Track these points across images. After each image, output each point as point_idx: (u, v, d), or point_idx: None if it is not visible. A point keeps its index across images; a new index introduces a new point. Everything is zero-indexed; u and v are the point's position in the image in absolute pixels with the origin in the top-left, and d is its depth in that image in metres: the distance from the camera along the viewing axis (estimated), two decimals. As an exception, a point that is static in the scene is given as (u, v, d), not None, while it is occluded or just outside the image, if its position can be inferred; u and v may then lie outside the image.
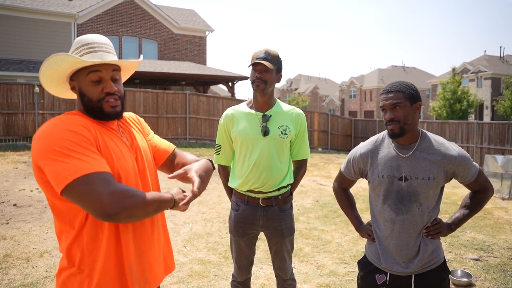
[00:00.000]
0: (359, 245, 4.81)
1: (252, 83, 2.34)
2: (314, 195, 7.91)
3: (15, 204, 6.04)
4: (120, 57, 19.73)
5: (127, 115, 1.59)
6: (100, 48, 1.38)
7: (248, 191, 2.40)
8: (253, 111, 2.40)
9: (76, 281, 1.31)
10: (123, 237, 1.34)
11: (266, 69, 2.29)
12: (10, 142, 12.13)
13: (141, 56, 1.67)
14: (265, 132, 2.33)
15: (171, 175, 1.49)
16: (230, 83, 19.04)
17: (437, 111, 27.58)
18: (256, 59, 2.31)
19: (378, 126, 19.38)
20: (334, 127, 19.74)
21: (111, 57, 1.39)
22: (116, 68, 1.41)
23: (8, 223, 5.26)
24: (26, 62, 17.47)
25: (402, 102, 1.81)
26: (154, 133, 1.73)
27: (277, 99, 2.49)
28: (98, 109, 1.37)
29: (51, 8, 18.23)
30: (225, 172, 2.59)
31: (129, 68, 1.52)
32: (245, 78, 18.84)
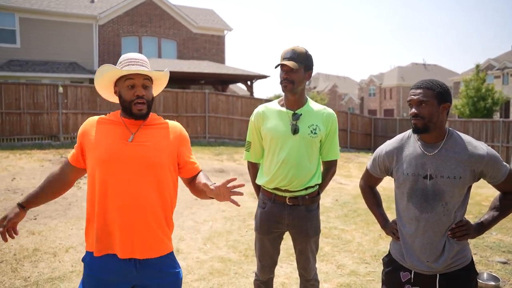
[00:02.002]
0: (380, 245, 4.76)
1: (280, 83, 2.34)
2: (333, 194, 7.86)
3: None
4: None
5: (171, 123, 1.91)
6: (136, 62, 1.79)
7: (275, 189, 2.40)
8: (284, 109, 2.40)
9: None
10: (110, 209, 1.72)
11: (292, 69, 2.28)
12: (36, 141, 12.47)
13: (167, 69, 1.91)
14: (295, 130, 2.32)
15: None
16: (248, 82, 19.07)
17: (459, 109, 26.97)
18: (283, 59, 2.31)
19: (398, 124, 19.09)
20: (354, 125, 19.55)
21: (142, 69, 1.75)
22: (147, 78, 1.78)
23: (35, 218, 5.41)
24: (50, 63, 17.90)
25: (429, 100, 1.79)
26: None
27: (308, 98, 2.47)
28: (128, 109, 1.77)
29: (74, 10, 18.63)
30: (254, 169, 2.59)
31: (160, 79, 1.87)
32: (263, 77, 18.83)
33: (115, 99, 1.90)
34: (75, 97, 13.05)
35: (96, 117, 1.86)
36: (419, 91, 1.81)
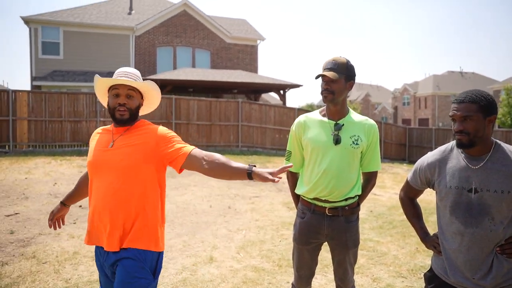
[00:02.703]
0: (417, 259, 4.62)
1: (321, 93, 2.35)
2: (368, 205, 7.71)
3: (80, 206, 6.42)
4: (174, 67, 20.48)
5: (152, 127, 2.01)
6: (125, 75, 1.99)
7: (314, 199, 2.39)
8: (325, 119, 2.41)
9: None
10: (92, 207, 1.95)
11: (332, 80, 2.29)
12: (75, 148, 12.98)
13: (150, 81, 2.02)
14: (337, 141, 2.32)
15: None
16: (281, 91, 19.12)
17: (500, 118, 25.99)
18: (323, 70, 2.32)
19: (434, 134, 18.57)
20: (388, 135, 19.17)
21: (125, 80, 1.93)
22: (132, 89, 1.97)
23: (75, 223, 5.61)
24: (89, 73, 18.64)
25: (473, 115, 1.74)
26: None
27: (350, 109, 2.47)
28: (112, 115, 1.97)
29: (112, 22, 19.39)
30: (293, 179, 2.60)
31: (149, 91, 2.05)
32: (296, 86, 18.83)
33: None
34: (113, 106, 13.51)
35: (100, 128, 2.11)
36: (462, 105, 1.75)
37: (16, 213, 5.95)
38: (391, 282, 3.96)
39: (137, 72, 2.04)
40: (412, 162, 17.76)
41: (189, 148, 1.94)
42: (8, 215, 5.84)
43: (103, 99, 2.13)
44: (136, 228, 1.90)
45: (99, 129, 2.10)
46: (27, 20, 18.03)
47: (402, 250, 4.97)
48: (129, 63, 19.65)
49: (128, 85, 1.96)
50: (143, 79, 2.04)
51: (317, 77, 2.34)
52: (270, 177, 1.70)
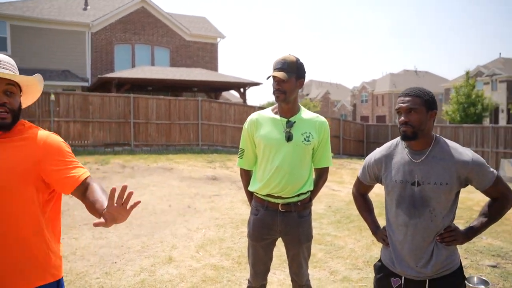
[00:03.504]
0: (373, 251, 4.78)
1: (273, 93, 2.38)
2: (326, 200, 7.88)
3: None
4: (133, 65, 20.01)
5: (36, 133, 1.58)
6: (2, 65, 1.51)
7: (267, 195, 2.42)
8: (277, 116, 2.43)
9: None
10: None
11: (283, 80, 2.32)
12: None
13: (38, 74, 1.65)
14: (289, 138, 2.35)
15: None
16: (241, 89, 19.14)
17: (450, 115, 27.27)
18: (274, 70, 2.34)
19: (390, 131, 19.26)
20: (346, 132, 19.67)
21: (4, 72, 1.49)
22: (10, 83, 1.52)
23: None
24: (42, 71, 17.83)
25: (418, 108, 1.82)
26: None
27: (301, 106, 2.51)
28: None
29: (66, 18, 18.64)
30: (247, 176, 2.61)
31: (31, 85, 1.61)
32: (256, 84, 18.91)
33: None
34: (67, 105, 13.00)
35: None
36: (408, 98, 1.84)
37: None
38: (348, 274, 4.08)
39: (12, 61, 1.60)
40: (370, 158, 18.39)
41: (85, 174, 1.58)
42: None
43: None
44: (21, 266, 1.53)
45: None
46: (-30, 14, 16.99)
47: (358, 243, 5.12)
48: (85, 61, 18.99)
49: (8, 79, 1.51)
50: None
51: (268, 78, 2.37)
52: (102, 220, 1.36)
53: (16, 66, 1.61)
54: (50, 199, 1.63)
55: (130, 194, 1.36)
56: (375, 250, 4.82)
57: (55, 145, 1.57)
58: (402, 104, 1.85)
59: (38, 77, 1.60)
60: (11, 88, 1.52)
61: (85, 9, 20.36)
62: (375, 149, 2.12)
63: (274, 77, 2.34)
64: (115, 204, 1.34)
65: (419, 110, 1.82)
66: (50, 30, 18.28)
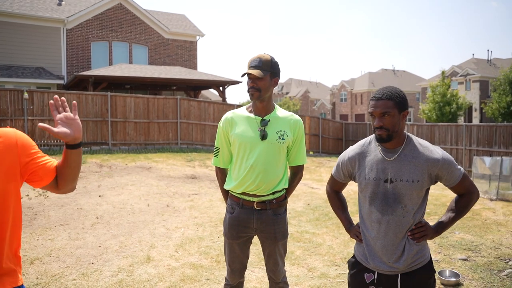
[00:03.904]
0: (350, 247, 4.86)
1: (247, 91, 2.39)
2: (305, 198, 7.96)
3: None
4: (110, 63, 19.68)
5: (2, 131, 1.52)
6: None
7: (242, 193, 2.43)
8: (252, 115, 2.45)
9: None
10: None
11: (258, 78, 2.33)
12: None
13: None
14: (263, 136, 2.37)
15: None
16: (221, 88, 19.08)
17: (427, 114, 27.87)
18: (249, 68, 2.36)
19: (368, 129, 19.55)
20: (325, 130, 19.87)
21: None
22: None
23: None
24: (14, 68, 17.35)
25: (391, 111, 1.86)
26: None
27: (276, 105, 2.53)
28: None
29: (39, 13, 18.15)
30: (222, 175, 2.62)
31: None
32: (236, 82, 18.89)
33: None
34: (42, 103, 12.68)
35: None
36: (380, 102, 1.87)
37: None
38: (325, 271, 4.14)
39: None
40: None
41: (54, 162, 1.59)
42: None
43: None
44: (7, 267, 1.49)
45: None
46: None
47: (336, 240, 5.20)
48: (60, 58, 18.56)
49: None
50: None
51: (243, 75, 2.38)
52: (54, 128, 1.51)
53: None
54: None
55: (63, 100, 1.56)
56: (352, 246, 4.90)
57: (25, 137, 1.55)
58: (375, 109, 1.88)
59: None
60: None
61: (59, 4, 19.89)
62: None
63: (249, 74, 2.35)
64: (60, 114, 1.52)
65: (392, 113, 1.86)
66: (23, 25, 17.78)
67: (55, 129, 1.51)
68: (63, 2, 20.14)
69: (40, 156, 1.56)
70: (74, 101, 1.62)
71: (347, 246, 4.92)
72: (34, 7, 18.58)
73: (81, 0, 21.01)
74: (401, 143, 1.93)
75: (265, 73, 2.34)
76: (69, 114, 1.56)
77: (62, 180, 1.60)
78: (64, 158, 1.59)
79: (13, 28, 17.58)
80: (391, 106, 1.85)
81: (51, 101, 1.55)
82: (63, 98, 1.56)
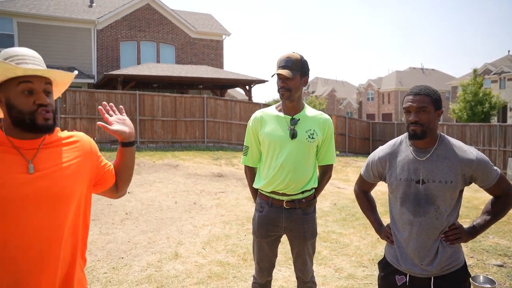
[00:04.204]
0: (378, 249, 4.79)
1: (278, 91, 2.38)
2: (332, 198, 7.89)
3: None
4: (138, 62, 20.06)
5: (78, 135, 1.51)
6: (31, 61, 1.34)
7: (272, 192, 2.44)
8: (281, 114, 2.45)
9: None
10: (13, 263, 1.29)
11: (288, 78, 2.33)
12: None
13: (76, 71, 1.52)
14: (293, 135, 2.37)
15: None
16: (247, 87, 19.14)
17: (457, 113, 27.10)
18: (278, 68, 2.35)
19: (396, 129, 19.18)
20: (352, 130, 19.63)
21: (45, 70, 1.34)
22: (48, 82, 1.37)
23: None
24: (48, 68, 17.87)
25: (428, 107, 1.83)
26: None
27: (305, 104, 2.52)
28: (30, 121, 1.31)
29: (72, 15, 18.72)
30: (251, 174, 2.63)
31: (61, 83, 1.46)
32: (262, 81, 18.90)
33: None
34: (74, 102, 13.09)
35: None
36: (417, 97, 1.84)
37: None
38: (353, 271, 4.09)
39: (40, 56, 1.44)
40: (375, 155, 18.36)
41: (111, 164, 1.62)
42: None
43: None
44: (80, 274, 1.47)
45: None
46: (-22, 11, 17.11)
47: (363, 241, 5.13)
48: (91, 58, 19.06)
49: (45, 78, 1.35)
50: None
51: (272, 76, 2.38)
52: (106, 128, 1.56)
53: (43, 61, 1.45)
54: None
55: (111, 106, 1.63)
56: (380, 248, 4.82)
57: (96, 145, 1.58)
58: (412, 103, 1.84)
59: (75, 73, 1.48)
60: (49, 87, 1.37)
61: (90, 6, 20.44)
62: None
63: (279, 74, 2.35)
64: (111, 116, 1.59)
65: (428, 109, 1.82)
66: (56, 27, 18.38)
67: (112, 127, 1.56)
68: (94, 4, 20.69)
69: (103, 159, 1.60)
70: (121, 106, 1.69)
71: (375, 247, 4.84)
72: (68, 10, 19.17)
73: (111, 1, 21.51)
74: (434, 143, 1.89)
75: (295, 73, 2.33)
76: (120, 115, 1.64)
77: (121, 181, 1.64)
78: (120, 158, 1.62)
79: (48, 30, 18.21)
80: (428, 102, 1.82)
81: (100, 107, 1.59)
82: (111, 104, 1.64)
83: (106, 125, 1.55)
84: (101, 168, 1.56)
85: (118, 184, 1.64)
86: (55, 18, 18.25)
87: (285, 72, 2.30)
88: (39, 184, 1.31)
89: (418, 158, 1.89)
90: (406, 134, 1.97)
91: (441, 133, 1.94)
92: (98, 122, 1.55)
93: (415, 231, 1.88)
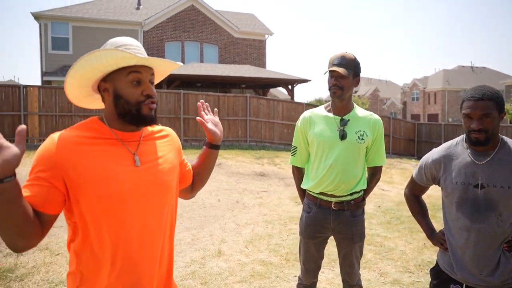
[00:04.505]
0: (425, 254, 4.63)
1: (329, 89, 2.36)
2: (376, 200, 7.72)
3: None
4: (182, 62, 20.52)
5: (168, 130, 1.51)
6: (137, 50, 1.31)
7: (320, 193, 2.42)
8: (331, 114, 2.43)
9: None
10: (114, 245, 1.26)
11: (342, 76, 2.31)
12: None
13: (180, 62, 1.62)
14: (343, 136, 2.34)
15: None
16: (289, 86, 19.09)
17: (511, 114, 25.68)
18: (332, 65, 2.33)
19: (443, 130, 18.42)
20: (396, 131, 19.07)
21: (157, 59, 1.29)
22: (152, 72, 1.35)
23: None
24: (98, 68, 18.75)
25: (492, 113, 1.72)
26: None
27: (355, 104, 2.49)
28: (136, 111, 1.29)
29: (120, 17, 19.48)
30: (299, 174, 2.63)
31: (159, 74, 1.45)
32: (305, 81, 18.79)
33: (89, 103, 1.44)
34: (122, 101, 13.61)
35: (64, 134, 1.24)
36: (481, 103, 1.72)
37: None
38: (398, 277, 3.98)
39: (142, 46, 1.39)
40: (421, 157, 17.71)
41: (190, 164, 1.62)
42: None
43: (77, 92, 1.35)
44: (170, 277, 1.43)
45: (65, 135, 1.24)
46: (37, 16, 18.19)
47: (409, 245, 4.98)
48: (137, 58, 19.72)
49: (151, 68, 1.33)
50: None
51: (325, 73, 2.36)
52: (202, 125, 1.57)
53: None
54: None
55: (207, 105, 1.63)
56: (427, 253, 4.67)
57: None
58: (474, 110, 1.74)
59: (180, 64, 1.42)
60: (153, 77, 1.35)
61: (137, 8, 21.16)
62: (427, 148, 2.05)
63: (332, 72, 2.33)
64: (206, 115, 1.60)
65: (492, 115, 1.72)
66: (106, 29, 19.19)
67: (208, 125, 1.58)
68: (141, 6, 21.39)
69: (184, 157, 1.59)
70: (216, 108, 1.73)
71: (422, 253, 4.69)
72: (117, 12, 19.96)
73: (156, 3, 22.15)
74: (495, 146, 1.79)
75: (349, 72, 2.31)
76: (215, 118, 1.64)
77: (198, 182, 1.63)
78: (203, 159, 1.61)
79: (98, 32, 19.06)
80: (492, 107, 1.72)
81: (199, 103, 1.64)
82: (207, 103, 1.66)
83: (204, 121, 1.58)
84: (183, 166, 1.55)
85: (195, 185, 1.63)
86: (105, 21, 19.07)
87: (340, 69, 2.28)
88: (145, 178, 1.30)
89: (477, 162, 1.80)
90: (462, 136, 1.89)
91: (502, 136, 1.84)
92: (197, 118, 1.58)
93: (473, 238, 1.80)
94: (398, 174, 11.99)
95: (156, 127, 1.45)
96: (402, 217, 6.36)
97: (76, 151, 1.21)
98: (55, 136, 1.23)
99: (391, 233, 5.50)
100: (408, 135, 19.64)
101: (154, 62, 1.30)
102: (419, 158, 18.35)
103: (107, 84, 1.30)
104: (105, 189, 1.21)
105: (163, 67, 1.37)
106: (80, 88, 1.33)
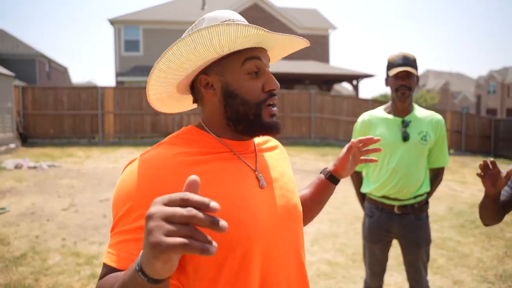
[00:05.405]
0: (507, 264, 4.32)
1: (396, 90, 2.29)
2: (447, 201, 7.33)
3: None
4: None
5: (275, 141, 1.14)
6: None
7: (382, 197, 2.38)
8: (391, 116, 2.38)
9: None
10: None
11: (410, 75, 2.24)
12: (155, 139, 13.90)
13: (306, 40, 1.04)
14: (405, 138, 2.29)
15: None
16: (354, 81, 18.67)
17: None
18: (395, 65, 2.27)
19: (526, 126, 16.93)
20: (469, 127, 17.87)
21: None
22: (269, 58, 0.99)
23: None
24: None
25: None
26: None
27: (415, 104, 2.42)
28: (254, 117, 0.91)
29: (187, 18, 20.24)
30: (358, 178, 2.60)
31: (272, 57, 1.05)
32: (369, 76, 18.26)
33: (173, 106, 1.08)
34: (189, 99, 14.18)
35: (161, 154, 0.85)
36: None
37: (107, 199, 6.55)
38: (475, 286, 3.77)
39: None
40: (498, 156, 16.40)
41: None
42: (101, 200, 6.45)
43: (164, 89, 0.97)
44: None
45: (162, 156, 0.84)
46: (112, 21, 19.49)
47: (487, 252, 4.69)
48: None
49: (267, 53, 0.96)
50: None
51: (395, 74, 2.27)
52: (346, 150, 1.23)
53: None
54: None
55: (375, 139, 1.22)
56: (510, 263, 4.35)
57: None
58: None
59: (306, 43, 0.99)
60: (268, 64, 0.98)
61: (203, 8, 21.79)
62: (506, 146, 1.89)
63: (401, 72, 2.26)
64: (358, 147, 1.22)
65: None
66: (174, 30, 20.01)
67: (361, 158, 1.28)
68: (206, 6, 22.01)
69: None
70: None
71: (502, 263, 4.38)
72: (183, 13, 20.75)
73: (220, 3, 22.64)
74: None
75: (416, 71, 2.27)
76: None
77: (310, 215, 1.23)
78: (319, 192, 1.23)
79: (167, 34, 19.95)
80: None
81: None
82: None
83: (359, 148, 1.27)
84: None
85: (306, 218, 1.20)
86: (173, 22, 19.92)
87: (411, 69, 2.22)
88: (275, 201, 0.94)
89: None
90: None
91: None
92: (358, 139, 1.27)
93: None
94: (472, 173, 11.26)
95: (261, 138, 1.08)
96: (477, 220, 5.98)
97: (187, 175, 0.79)
98: (148, 158, 0.84)
99: (465, 238, 5.21)
100: (484, 131, 18.31)
101: (295, 41, 0.94)
102: (496, 156, 17.05)
103: (211, 77, 0.92)
104: (239, 229, 0.84)
105: (281, 50, 1.01)
106: (167, 86, 0.96)
